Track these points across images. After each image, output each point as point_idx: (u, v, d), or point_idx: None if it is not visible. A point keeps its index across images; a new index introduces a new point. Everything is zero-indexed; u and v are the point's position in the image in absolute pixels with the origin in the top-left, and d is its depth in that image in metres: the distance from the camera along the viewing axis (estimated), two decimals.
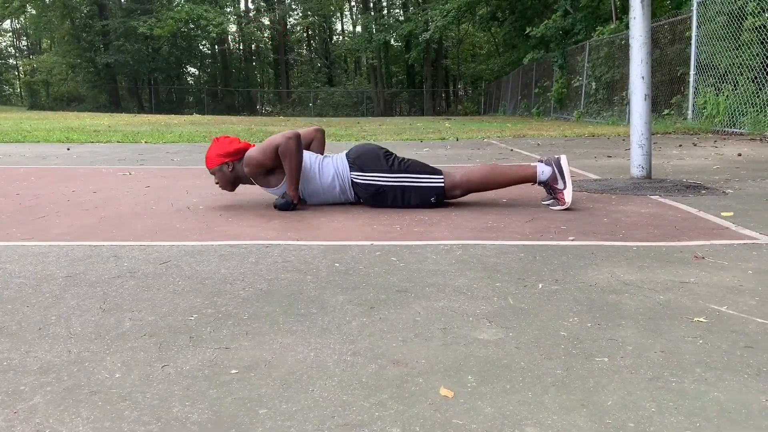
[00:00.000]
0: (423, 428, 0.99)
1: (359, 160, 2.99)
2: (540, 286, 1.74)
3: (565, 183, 2.89)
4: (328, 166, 3.05)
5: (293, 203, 2.98)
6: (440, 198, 2.97)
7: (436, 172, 2.98)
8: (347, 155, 3.06)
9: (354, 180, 2.99)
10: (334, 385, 1.15)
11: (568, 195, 2.88)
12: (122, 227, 2.61)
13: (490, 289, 1.71)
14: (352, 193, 3.05)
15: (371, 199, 3.00)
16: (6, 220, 2.79)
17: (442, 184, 2.95)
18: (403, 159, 3.01)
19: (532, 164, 3.00)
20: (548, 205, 3.00)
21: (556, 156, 2.94)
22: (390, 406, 1.06)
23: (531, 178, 2.96)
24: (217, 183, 3.13)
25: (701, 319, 1.46)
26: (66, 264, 2.01)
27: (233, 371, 1.21)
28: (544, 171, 2.92)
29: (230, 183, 3.11)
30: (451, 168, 4.03)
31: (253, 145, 3.08)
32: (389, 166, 2.95)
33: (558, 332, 1.39)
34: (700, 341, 1.33)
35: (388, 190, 2.95)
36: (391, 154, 3.04)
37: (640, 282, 1.76)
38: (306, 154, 3.06)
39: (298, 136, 2.92)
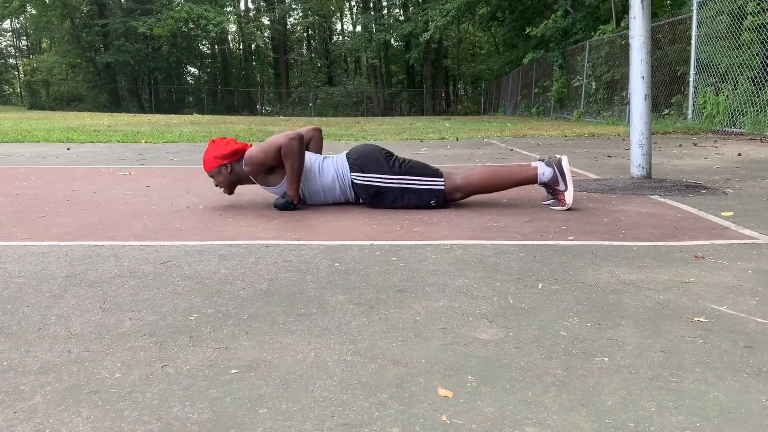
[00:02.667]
0: (423, 428, 0.99)
1: (359, 160, 2.99)
2: (540, 285, 1.74)
3: (566, 184, 2.88)
4: (329, 167, 3.05)
5: (293, 203, 2.98)
6: (440, 201, 2.97)
7: (437, 174, 2.97)
8: (348, 155, 3.05)
9: (354, 180, 2.99)
10: (334, 384, 1.15)
11: (569, 196, 2.87)
12: (122, 227, 2.61)
13: (490, 289, 1.71)
14: (352, 193, 3.04)
15: (371, 200, 3.00)
16: (6, 220, 2.79)
17: (443, 188, 2.94)
18: (405, 160, 3.00)
19: (532, 164, 2.98)
20: (549, 205, 3.00)
21: (558, 156, 2.94)
22: (390, 406, 1.06)
23: (532, 180, 2.95)
24: (217, 185, 3.12)
25: (701, 319, 1.46)
26: (66, 264, 2.01)
27: (233, 371, 1.21)
28: (545, 172, 2.92)
29: (230, 184, 3.10)
30: (452, 168, 4.03)
31: (251, 145, 3.08)
32: (390, 167, 2.95)
33: (558, 332, 1.39)
34: (700, 341, 1.33)
35: (388, 191, 2.95)
36: (392, 155, 3.03)
37: (640, 282, 1.76)
38: (306, 154, 3.06)
39: (300, 137, 2.92)
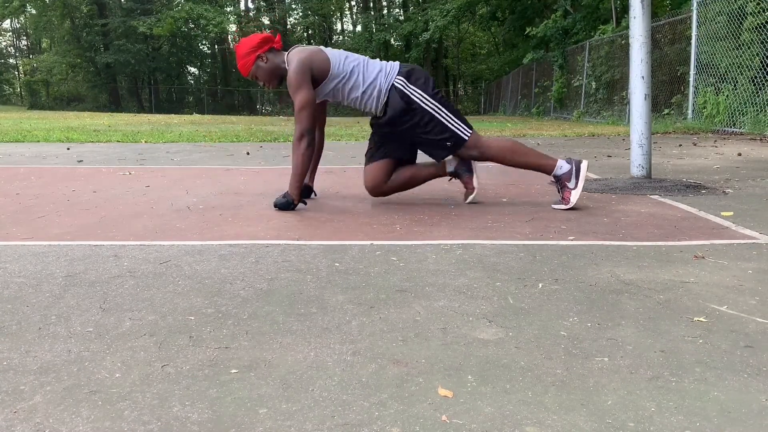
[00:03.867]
0: (423, 428, 0.99)
1: (412, 71, 2.95)
2: (540, 285, 1.74)
3: (577, 183, 2.87)
4: (375, 63, 2.99)
5: (293, 203, 2.97)
6: (455, 147, 2.94)
7: (468, 125, 2.97)
8: (401, 64, 3.02)
9: (395, 84, 2.91)
10: (334, 384, 1.15)
11: (575, 195, 2.86)
12: (122, 227, 2.61)
13: (490, 288, 1.71)
14: (385, 98, 2.93)
15: (397, 116, 2.92)
16: (6, 219, 2.79)
17: (467, 137, 2.93)
18: (446, 98, 2.99)
19: (555, 157, 2.98)
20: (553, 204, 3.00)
21: (578, 159, 2.94)
22: (390, 406, 1.06)
23: (548, 169, 2.93)
24: (263, 84, 3.02)
25: (701, 319, 1.46)
26: (66, 263, 2.01)
27: (233, 371, 1.21)
28: (562, 166, 2.91)
29: (274, 76, 2.99)
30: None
31: (277, 39, 2.99)
32: (433, 93, 2.93)
33: (558, 332, 1.39)
34: (700, 341, 1.33)
35: (418, 110, 2.90)
36: (439, 90, 3.02)
37: (640, 282, 1.76)
38: (351, 55, 3.01)
39: (312, 139, 2.90)
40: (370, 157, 3.15)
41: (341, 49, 3.08)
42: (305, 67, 2.89)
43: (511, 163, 3.00)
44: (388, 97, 2.93)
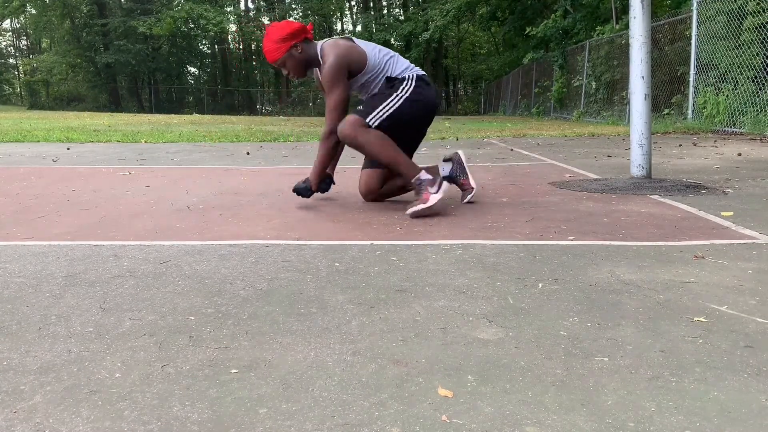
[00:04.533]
0: (423, 428, 0.99)
1: (422, 84, 2.95)
2: (540, 285, 1.74)
3: (438, 190, 2.82)
4: (403, 62, 3.02)
5: (310, 190, 2.99)
6: (362, 113, 2.89)
7: (384, 123, 2.89)
8: (423, 73, 3.03)
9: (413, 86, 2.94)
10: (334, 384, 1.15)
11: (434, 199, 2.79)
12: (122, 227, 2.61)
13: (490, 288, 1.71)
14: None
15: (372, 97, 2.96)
16: (6, 219, 2.79)
17: (367, 121, 2.87)
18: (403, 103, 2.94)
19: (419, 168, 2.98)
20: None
21: (443, 182, 2.92)
22: (390, 406, 1.06)
23: (409, 177, 2.95)
24: (287, 73, 2.99)
25: (701, 319, 1.46)
26: (66, 263, 2.01)
27: (233, 371, 1.21)
28: (444, 168, 3.00)
29: (303, 67, 2.97)
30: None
31: (310, 28, 2.97)
32: (407, 99, 2.90)
33: (558, 332, 1.39)
34: (700, 341, 1.33)
35: (393, 90, 2.91)
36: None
37: (640, 282, 1.76)
38: (384, 50, 3.03)
39: (337, 140, 2.91)
40: (368, 162, 3.15)
41: (367, 41, 3.10)
42: (343, 64, 2.86)
43: (385, 161, 2.92)
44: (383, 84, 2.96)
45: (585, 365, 1.22)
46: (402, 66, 2.99)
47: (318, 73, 3.06)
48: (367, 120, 2.86)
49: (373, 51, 2.97)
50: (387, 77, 2.96)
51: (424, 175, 2.86)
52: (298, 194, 3.04)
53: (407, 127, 2.99)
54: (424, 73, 3.03)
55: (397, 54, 3.05)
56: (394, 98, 2.90)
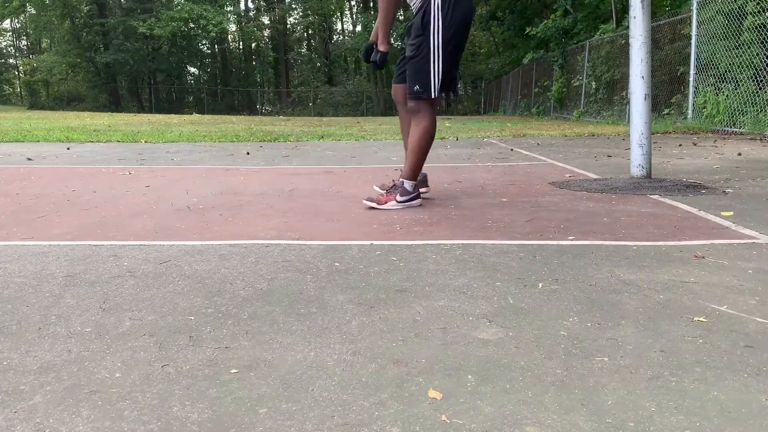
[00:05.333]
0: (423, 428, 0.99)
1: (458, 1, 2.89)
2: (540, 285, 1.74)
3: (402, 203, 2.95)
4: None
5: (384, 53, 3.02)
6: (418, 95, 2.95)
7: (445, 90, 3.00)
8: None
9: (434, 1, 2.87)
10: (334, 384, 1.15)
11: (390, 206, 2.94)
12: (122, 227, 2.61)
13: (490, 288, 1.71)
14: (419, 4, 2.92)
15: (411, 29, 2.95)
16: (6, 219, 2.79)
17: (431, 96, 2.94)
18: (458, 50, 2.97)
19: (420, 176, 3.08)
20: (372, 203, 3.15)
21: (420, 197, 3.04)
22: (390, 406, 1.06)
23: (410, 175, 3.03)
24: None
25: (701, 319, 1.46)
26: (66, 263, 2.01)
27: (233, 371, 1.21)
28: (412, 186, 3.01)
29: None
30: (451, 169, 4.05)
31: None
32: (451, 36, 2.89)
33: (558, 332, 1.39)
34: (700, 341, 1.33)
35: (424, 40, 2.88)
36: (461, 39, 2.98)
37: (640, 281, 1.76)
38: None
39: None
40: (397, 73, 3.22)
41: None
42: None
43: (410, 144, 3.04)
44: (424, 5, 2.89)
45: (585, 365, 1.22)
46: None
47: None
48: (432, 95, 2.92)
49: None
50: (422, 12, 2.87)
51: (409, 185, 3.00)
52: (376, 65, 3.04)
53: (456, 52, 2.97)
54: None
55: None
56: (433, 51, 2.86)
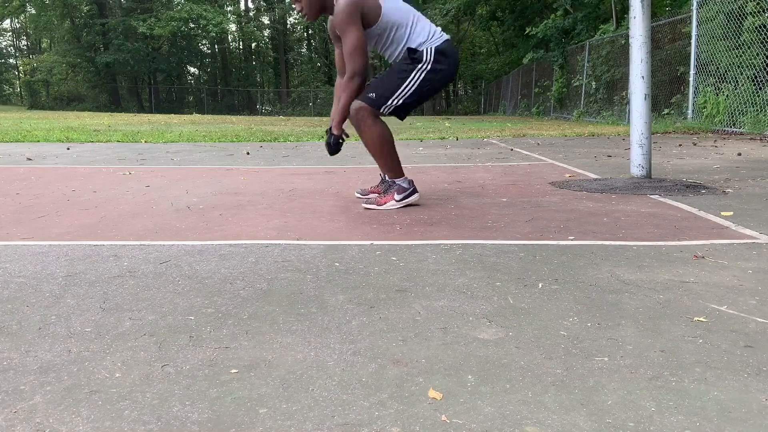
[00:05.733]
0: (423, 428, 0.99)
1: (444, 54, 2.91)
2: (540, 285, 1.74)
3: (400, 201, 2.96)
4: (424, 25, 2.94)
5: (339, 137, 3.00)
6: (369, 100, 2.90)
7: (394, 111, 2.95)
8: (445, 39, 2.97)
9: (426, 51, 2.89)
10: (334, 384, 1.15)
11: (390, 206, 2.94)
12: (122, 227, 2.61)
13: (490, 288, 1.71)
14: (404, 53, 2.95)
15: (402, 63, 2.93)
16: (6, 219, 2.79)
17: (376, 107, 2.89)
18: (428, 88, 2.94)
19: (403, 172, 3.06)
20: (362, 197, 3.21)
21: (416, 188, 3.04)
22: (390, 406, 1.06)
23: (394, 174, 3.01)
24: (300, 11, 2.94)
25: (701, 319, 1.46)
26: (66, 263, 2.01)
27: (233, 371, 1.21)
28: (405, 181, 3.00)
29: (317, 5, 2.93)
30: (452, 169, 4.05)
31: None
32: (425, 79, 2.90)
33: (558, 332, 1.39)
34: (700, 341, 1.33)
35: (408, 70, 2.90)
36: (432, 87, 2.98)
37: (640, 281, 1.76)
38: (404, 7, 2.95)
39: (363, 81, 2.88)
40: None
41: None
42: (356, 8, 2.82)
43: (372, 152, 3.02)
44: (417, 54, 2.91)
45: (585, 365, 1.22)
46: (423, 34, 2.90)
47: (331, 23, 3.02)
48: (382, 109, 2.88)
49: (391, 6, 2.89)
50: (408, 48, 2.89)
51: (401, 181, 2.99)
52: (332, 150, 3.02)
53: (425, 96, 2.99)
54: (446, 38, 2.94)
55: (419, 15, 2.97)
56: (412, 79, 2.87)
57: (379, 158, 3.00)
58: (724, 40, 8.26)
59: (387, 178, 3.04)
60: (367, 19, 2.85)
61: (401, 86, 2.88)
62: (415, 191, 3.00)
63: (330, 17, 2.99)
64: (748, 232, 2.39)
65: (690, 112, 9.23)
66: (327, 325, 1.45)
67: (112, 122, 14.38)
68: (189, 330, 1.43)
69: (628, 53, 3.79)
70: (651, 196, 3.25)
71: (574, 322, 1.45)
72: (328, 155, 3.03)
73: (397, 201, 2.95)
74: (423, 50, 2.88)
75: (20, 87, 48.87)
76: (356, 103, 2.89)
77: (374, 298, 1.64)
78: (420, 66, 2.88)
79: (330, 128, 3.06)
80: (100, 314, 1.54)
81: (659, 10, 12.93)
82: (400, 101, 2.89)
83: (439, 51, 2.89)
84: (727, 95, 8.21)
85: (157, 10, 34.88)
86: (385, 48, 2.98)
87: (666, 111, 10.24)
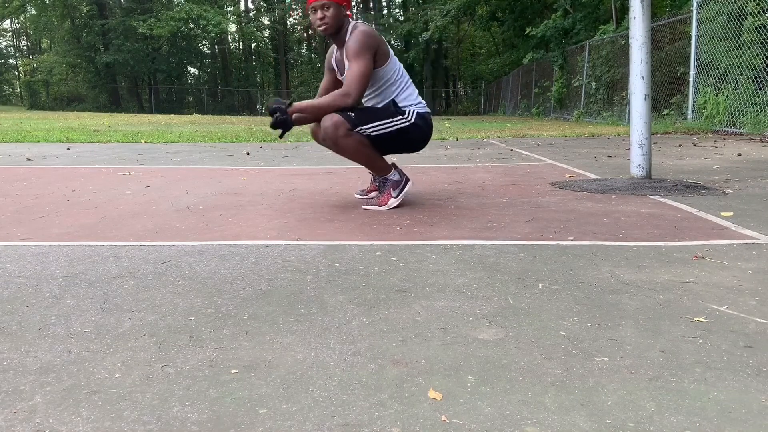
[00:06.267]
0: (423, 428, 0.99)
1: (423, 119, 3.03)
2: (540, 285, 1.74)
3: (399, 195, 3.00)
4: (410, 90, 3.05)
5: (282, 119, 2.76)
6: (347, 118, 2.88)
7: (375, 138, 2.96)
8: (425, 108, 3.07)
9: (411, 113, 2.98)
10: (334, 385, 1.15)
11: (392, 203, 2.99)
12: (122, 227, 2.61)
13: (490, 289, 1.71)
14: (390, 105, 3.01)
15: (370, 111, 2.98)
16: (6, 219, 2.79)
17: (348, 124, 2.86)
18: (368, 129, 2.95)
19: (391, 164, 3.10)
20: (362, 197, 3.24)
21: (407, 176, 3.09)
22: (390, 406, 1.06)
23: (382, 172, 3.05)
24: (321, 20, 2.87)
25: (701, 319, 1.46)
26: (66, 264, 2.01)
27: (233, 371, 1.21)
28: (395, 175, 3.04)
29: (337, 24, 2.90)
30: (451, 170, 4.05)
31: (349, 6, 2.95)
32: (399, 129, 2.97)
33: (558, 332, 1.39)
34: (700, 341, 1.33)
35: (389, 123, 2.95)
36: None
37: (640, 282, 1.76)
38: (402, 69, 3.05)
39: (353, 107, 2.89)
40: None
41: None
42: (373, 43, 2.87)
43: (356, 160, 3.00)
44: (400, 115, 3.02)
45: (585, 365, 1.22)
46: (410, 97, 3.03)
47: (334, 54, 3.08)
48: (356, 129, 2.89)
49: (395, 61, 3.03)
50: (394, 101, 2.99)
51: (392, 175, 3.04)
52: (271, 114, 2.77)
53: (393, 146, 3.07)
54: (426, 110, 3.07)
55: (411, 81, 3.10)
56: (390, 123, 2.95)
57: (365, 164, 3.03)
58: (725, 40, 8.26)
59: (379, 178, 3.10)
60: (377, 58, 2.92)
61: (379, 121, 2.93)
62: (407, 180, 3.06)
63: (333, 45, 3.06)
64: (748, 232, 2.39)
65: (690, 112, 9.23)
66: (327, 326, 1.45)
67: (112, 122, 14.39)
68: (189, 330, 1.43)
69: (628, 53, 3.79)
70: (651, 197, 3.25)
71: (574, 322, 1.45)
72: (272, 127, 2.79)
73: (395, 198, 2.99)
74: (407, 109, 3.00)
75: (20, 87, 48.86)
76: (334, 116, 2.84)
77: (374, 298, 1.64)
78: (401, 117, 2.98)
79: (284, 105, 2.81)
80: (100, 314, 1.54)
81: (659, 11, 12.93)
82: (373, 133, 2.92)
83: (421, 115, 3.01)
84: (727, 96, 8.21)
85: (157, 11, 34.86)
86: (372, 96, 3.04)
87: (666, 111, 10.24)
